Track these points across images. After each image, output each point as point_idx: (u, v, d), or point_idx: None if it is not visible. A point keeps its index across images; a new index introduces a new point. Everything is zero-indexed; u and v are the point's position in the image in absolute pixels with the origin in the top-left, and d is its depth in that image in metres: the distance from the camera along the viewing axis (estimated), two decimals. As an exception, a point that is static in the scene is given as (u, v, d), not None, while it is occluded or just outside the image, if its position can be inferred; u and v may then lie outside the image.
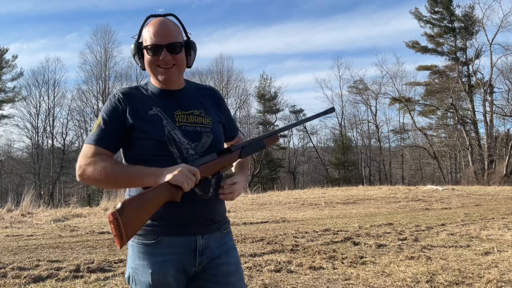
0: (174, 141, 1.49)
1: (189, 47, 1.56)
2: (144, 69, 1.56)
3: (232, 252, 1.61)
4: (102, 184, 1.48)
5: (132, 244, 1.52)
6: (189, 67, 1.61)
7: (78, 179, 1.47)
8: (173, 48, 1.49)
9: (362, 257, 4.82)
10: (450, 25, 32.62)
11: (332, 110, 1.91)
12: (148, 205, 1.34)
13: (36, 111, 34.13)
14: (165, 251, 1.47)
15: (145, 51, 1.52)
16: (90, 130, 1.54)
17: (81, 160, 1.46)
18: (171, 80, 1.54)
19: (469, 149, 29.75)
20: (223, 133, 1.68)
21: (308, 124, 38.24)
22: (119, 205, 1.29)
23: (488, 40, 29.59)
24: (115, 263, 4.52)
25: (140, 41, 1.54)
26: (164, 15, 1.55)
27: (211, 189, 1.53)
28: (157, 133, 1.48)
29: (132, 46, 1.55)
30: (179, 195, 1.38)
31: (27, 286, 3.79)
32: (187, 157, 1.49)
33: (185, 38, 1.57)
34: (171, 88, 1.58)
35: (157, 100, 1.55)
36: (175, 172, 1.35)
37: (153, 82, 1.60)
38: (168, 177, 1.35)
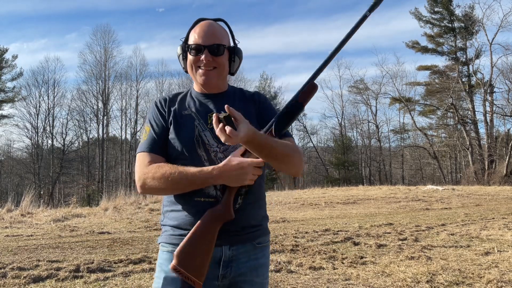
0: (203, 143, 1.44)
1: (233, 53, 1.52)
2: (187, 71, 1.54)
3: (260, 270, 1.50)
4: (163, 192, 1.43)
5: (159, 250, 1.49)
6: (232, 74, 1.56)
7: (139, 190, 1.44)
8: (215, 49, 1.45)
9: (362, 257, 4.82)
10: (450, 25, 32.62)
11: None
12: (202, 241, 1.34)
13: (36, 111, 34.20)
14: None
15: (188, 51, 1.49)
16: (140, 139, 1.51)
17: (139, 171, 1.43)
18: (210, 82, 1.50)
19: (469, 149, 29.74)
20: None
21: (308, 124, 38.27)
22: (174, 259, 1.32)
23: (488, 40, 29.66)
24: (115, 263, 4.52)
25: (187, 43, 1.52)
26: (214, 20, 1.53)
27: (239, 199, 1.43)
28: (186, 133, 1.45)
29: (179, 47, 1.53)
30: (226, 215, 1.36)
31: (27, 286, 3.78)
32: (215, 160, 1.42)
33: (232, 44, 1.54)
34: (211, 91, 1.54)
35: (193, 102, 1.53)
36: (242, 175, 1.33)
37: (194, 87, 1.58)
38: (235, 180, 1.33)
